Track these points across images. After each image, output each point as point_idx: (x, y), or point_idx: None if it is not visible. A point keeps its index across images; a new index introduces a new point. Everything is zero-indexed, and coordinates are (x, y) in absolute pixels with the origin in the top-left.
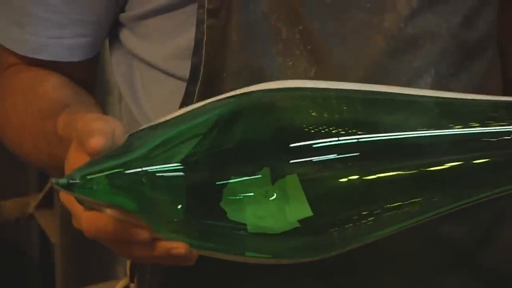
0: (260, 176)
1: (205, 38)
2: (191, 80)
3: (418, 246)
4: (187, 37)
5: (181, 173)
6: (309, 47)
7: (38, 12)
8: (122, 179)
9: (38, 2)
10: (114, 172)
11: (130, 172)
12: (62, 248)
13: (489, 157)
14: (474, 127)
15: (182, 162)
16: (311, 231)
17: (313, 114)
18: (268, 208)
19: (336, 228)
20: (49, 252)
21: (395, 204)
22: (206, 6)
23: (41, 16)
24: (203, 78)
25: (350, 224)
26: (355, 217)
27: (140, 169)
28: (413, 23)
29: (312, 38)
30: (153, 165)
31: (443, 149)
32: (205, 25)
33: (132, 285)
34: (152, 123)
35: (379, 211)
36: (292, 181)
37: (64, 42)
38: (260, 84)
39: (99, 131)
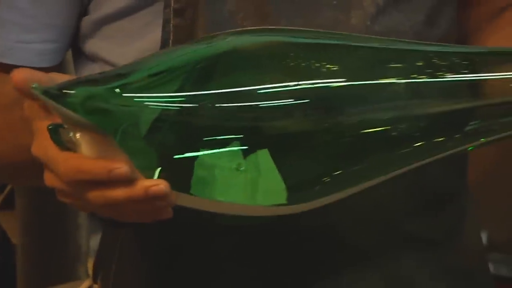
0: (231, 149)
1: (171, 38)
2: None
3: (386, 242)
4: (153, 38)
5: (157, 117)
6: None
7: (7, 15)
8: (116, 99)
9: (7, 5)
10: (110, 88)
11: (124, 96)
12: (24, 249)
13: (446, 113)
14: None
15: (165, 101)
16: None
17: (291, 64)
18: (241, 181)
19: (311, 187)
20: (10, 253)
21: (363, 159)
22: (172, 5)
23: (9, 20)
24: None
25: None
26: (326, 170)
27: (129, 95)
28: (379, 21)
29: None
30: (141, 94)
31: (414, 99)
32: (171, 25)
33: (95, 286)
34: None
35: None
36: (263, 155)
37: (33, 47)
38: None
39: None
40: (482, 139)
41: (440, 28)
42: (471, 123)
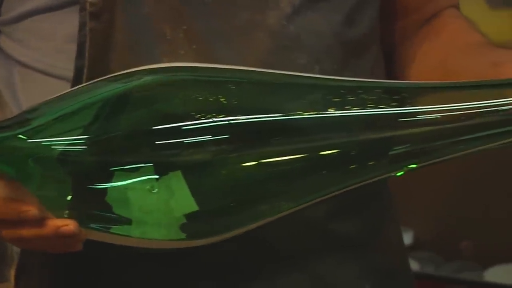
0: (144, 170)
1: (88, 41)
2: (75, 83)
3: (309, 243)
4: (68, 38)
5: (67, 154)
6: (194, 47)
7: None
8: (16, 147)
9: None
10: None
11: (26, 141)
12: None
13: (370, 139)
14: (357, 110)
15: (73, 141)
16: (197, 222)
17: (198, 98)
18: (154, 203)
19: (223, 215)
20: None
21: (278, 189)
22: (88, 9)
23: None
24: (87, 81)
25: (236, 209)
26: (241, 202)
27: (35, 140)
28: (295, 21)
29: (197, 38)
30: (47, 138)
31: (326, 132)
32: (87, 28)
33: None
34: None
35: (265, 196)
36: (176, 176)
37: None
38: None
39: None
40: (413, 165)
41: (359, 28)
42: (394, 149)
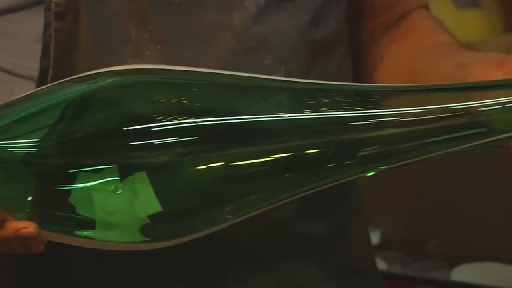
0: (108, 171)
1: (52, 42)
2: (40, 83)
3: (276, 243)
4: (36, 38)
5: (30, 156)
6: (159, 47)
7: None
8: None
9: None
10: None
11: None
12: None
13: (336, 142)
14: (324, 112)
15: (37, 142)
16: (161, 223)
17: (163, 100)
18: (118, 204)
19: (188, 216)
20: None
21: (244, 191)
22: (53, 9)
23: None
24: (53, 81)
25: (202, 211)
26: (207, 204)
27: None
28: (261, 22)
29: (162, 38)
30: (10, 139)
31: (293, 134)
32: (52, 28)
33: None
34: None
35: (232, 197)
36: (140, 177)
37: None
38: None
39: None
40: (382, 167)
41: (326, 28)
42: (363, 150)
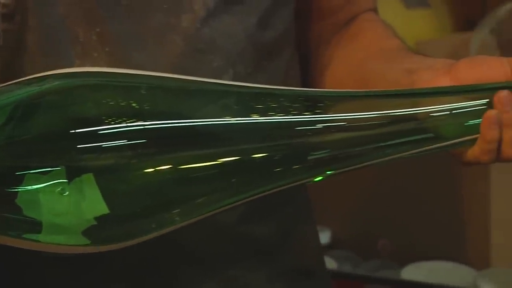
0: (55, 173)
1: (0, 43)
2: None
3: (222, 246)
4: None
5: None
6: (107, 49)
7: None
8: None
9: None
10: None
11: None
12: None
13: (284, 146)
14: (271, 116)
15: None
16: (108, 226)
17: (111, 103)
18: (64, 205)
19: (135, 219)
20: None
21: (192, 194)
22: (0, 10)
23: None
24: (1, 83)
25: (149, 214)
26: (154, 208)
27: None
28: (210, 24)
29: (110, 40)
30: None
31: (242, 138)
32: (0, 30)
33: None
34: None
35: (179, 200)
36: (87, 179)
37: None
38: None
39: None
40: (329, 172)
41: (274, 30)
42: (312, 154)
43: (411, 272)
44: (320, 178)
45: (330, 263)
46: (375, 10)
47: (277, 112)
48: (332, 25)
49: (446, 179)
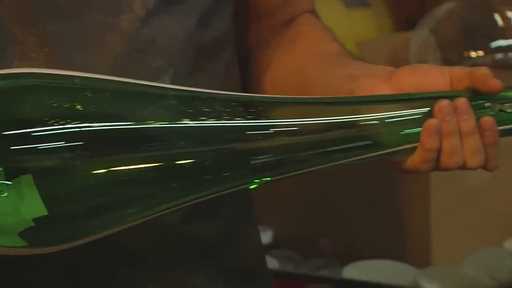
0: None
1: None
2: None
3: (164, 246)
4: None
5: None
6: (45, 50)
7: None
8: None
9: None
10: None
11: None
12: None
13: (225, 151)
14: (211, 121)
15: None
16: (46, 227)
17: (49, 104)
18: (2, 206)
19: (74, 221)
20: None
21: (131, 197)
22: None
23: None
24: None
25: (88, 216)
26: (93, 209)
27: None
28: (149, 24)
29: (48, 41)
30: None
31: (181, 142)
32: None
33: None
34: None
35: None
36: (26, 180)
37: None
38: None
39: None
40: (268, 178)
41: (214, 30)
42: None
43: (352, 271)
44: (256, 185)
45: (272, 263)
46: (313, 11)
47: (215, 116)
48: (270, 27)
49: (386, 178)
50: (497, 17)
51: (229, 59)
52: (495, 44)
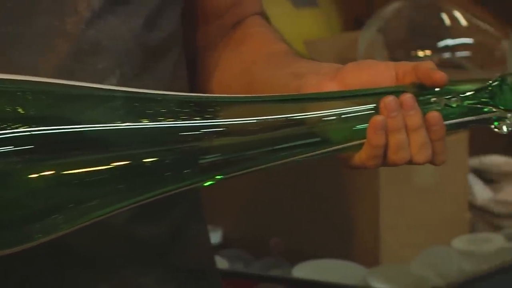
0: None
1: None
2: None
3: (113, 248)
4: None
5: None
6: None
7: None
8: None
9: None
10: None
11: None
12: None
13: (174, 151)
14: (159, 121)
15: None
16: None
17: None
18: None
19: (21, 225)
20: None
21: (79, 199)
22: None
23: None
24: None
25: (34, 220)
26: (41, 213)
27: None
28: (95, 26)
29: None
30: None
31: (128, 143)
32: None
33: None
34: None
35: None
36: None
37: None
38: None
39: None
40: (219, 176)
41: (160, 31)
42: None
43: (302, 270)
44: (209, 183)
45: (222, 263)
46: (262, 14)
47: (163, 117)
48: (218, 28)
49: (336, 178)
50: (444, 16)
51: (176, 60)
52: (442, 43)
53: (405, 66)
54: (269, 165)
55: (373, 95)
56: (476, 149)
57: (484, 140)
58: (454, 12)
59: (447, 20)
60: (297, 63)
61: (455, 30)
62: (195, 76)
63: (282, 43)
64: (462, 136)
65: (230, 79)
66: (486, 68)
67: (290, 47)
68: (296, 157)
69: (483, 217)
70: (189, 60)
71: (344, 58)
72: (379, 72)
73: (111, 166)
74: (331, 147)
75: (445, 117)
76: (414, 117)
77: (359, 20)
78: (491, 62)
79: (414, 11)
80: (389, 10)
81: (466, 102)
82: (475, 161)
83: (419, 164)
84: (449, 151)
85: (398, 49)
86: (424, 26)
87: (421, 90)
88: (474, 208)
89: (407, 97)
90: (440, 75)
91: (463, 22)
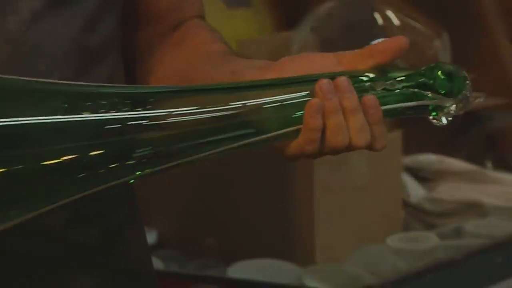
0: None
1: None
2: None
3: (48, 251)
4: None
5: None
6: None
7: None
8: None
9: None
10: None
11: None
12: None
13: (103, 144)
14: (89, 114)
15: None
16: None
17: None
18: None
19: None
20: None
21: (8, 196)
22: None
23: None
24: None
25: None
26: None
27: None
28: (35, 27)
29: None
30: None
31: (58, 137)
32: None
33: None
34: None
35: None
36: None
37: None
38: None
39: None
40: (149, 169)
41: (100, 34)
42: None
43: (237, 271)
44: (138, 176)
45: (157, 263)
46: (202, 17)
47: (95, 110)
48: (158, 31)
49: (270, 177)
50: (377, 16)
51: (114, 63)
52: (376, 42)
53: (349, 53)
54: (202, 155)
55: (309, 81)
56: (410, 147)
57: (417, 139)
58: (387, 11)
59: (380, 20)
60: (235, 61)
61: (388, 30)
62: (132, 80)
63: (221, 43)
64: (396, 135)
65: (168, 78)
66: (419, 67)
67: (229, 47)
68: (232, 146)
69: (417, 216)
70: (127, 64)
71: (278, 58)
72: (316, 61)
73: (40, 162)
74: (267, 135)
75: (383, 102)
76: (350, 99)
77: (292, 20)
78: (424, 61)
79: (347, 10)
80: (322, 9)
81: (402, 85)
82: (409, 160)
83: (358, 148)
84: (382, 150)
85: (332, 48)
86: (357, 26)
87: (357, 76)
88: (408, 206)
89: (342, 80)
90: (401, 37)
91: (396, 21)
